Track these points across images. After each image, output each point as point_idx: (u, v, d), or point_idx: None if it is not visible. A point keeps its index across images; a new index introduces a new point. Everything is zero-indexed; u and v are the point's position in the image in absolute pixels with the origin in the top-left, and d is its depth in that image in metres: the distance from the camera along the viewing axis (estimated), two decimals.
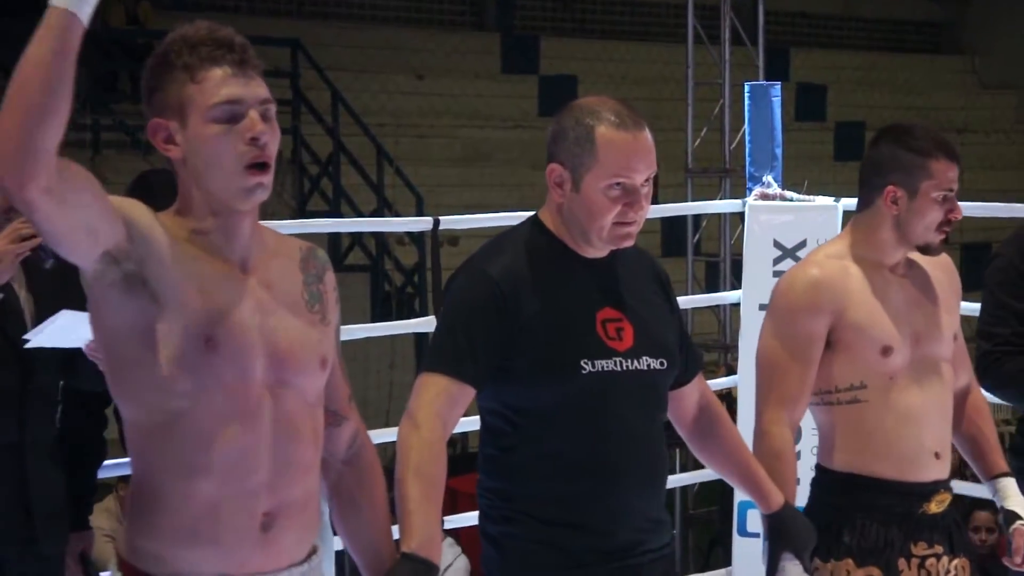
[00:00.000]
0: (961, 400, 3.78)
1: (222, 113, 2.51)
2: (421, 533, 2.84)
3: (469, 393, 3.03)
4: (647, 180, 3.07)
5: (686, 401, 3.37)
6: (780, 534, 3.37)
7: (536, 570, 3.08)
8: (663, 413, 3.24)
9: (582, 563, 3.07)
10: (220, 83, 2.51)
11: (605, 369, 3.07)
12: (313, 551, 2.68)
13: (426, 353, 3.10)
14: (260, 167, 2.52)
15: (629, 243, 3.11)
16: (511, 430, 3.09)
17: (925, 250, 3.60)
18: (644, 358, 3.13)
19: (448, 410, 3.00)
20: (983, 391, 4.00)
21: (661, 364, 3.16)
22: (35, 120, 2.24)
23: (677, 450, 8.63)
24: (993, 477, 3.77)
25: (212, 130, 2.51)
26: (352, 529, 2.84)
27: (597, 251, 3.14)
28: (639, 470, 3.12)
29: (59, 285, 3.84)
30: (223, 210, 2.56)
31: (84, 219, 2.39)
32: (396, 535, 2.88)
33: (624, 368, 3.09)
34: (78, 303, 3.78)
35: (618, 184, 3.04)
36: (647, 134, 3.07)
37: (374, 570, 2.82)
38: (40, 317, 3.81)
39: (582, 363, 3.05)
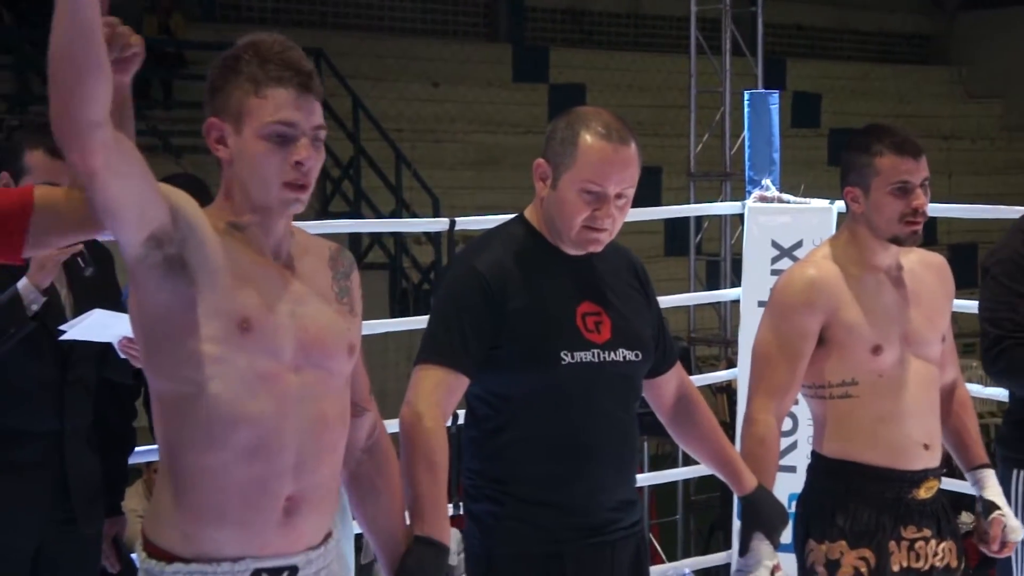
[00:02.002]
0: (947, 396, 3.77)
1: (275, 133, 2.51)
2: (432, 517, 2.87)
3: (464, 382, 3.05)
4: (621, 192, 3.07)
5: (664, 389, 3.38)
6: (752, 516, 3.37)
7: (517, 546, 3.10)
8: (636, 401, 3.26)
9: (560, 539, 3.10)
10: (281, 104, 2.51)
11: (584, 360, 3.09)
12: (328, 535, 2.67)
13: (421, 345, 3.11)
14: (299, 187, 2.54)
15: (596, 248, 3.12)
16: (495, 415, 3.11)
17: (897, 242, 3.58)
18: (621, 350, 3.15)
19: (446, 399, 3.02)
20: (991, 376, 4.01)
21: (636, 356, 3.18)
22: (76, 100, 2.25)
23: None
24: (974, 468, 3.77)
25: (262, 147, 2.52)
26: (370, 515, 2.84)
27: (575, 251, 3.15)
28: (613, 454, 3.15)
29: (97, 286, 3.86)
30: (261, 209, 2.57)
31: (136, 194, 2.39)
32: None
33: (601, 360, 3.12)
34: (112, 303, 3.81)
35: (589, 189, 3.05)
36: (630, 150, 3.08)
37: (390, 552, 2.84)
38: (78, 315, 3.83)
39: (562, 354, 3.07)
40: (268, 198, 2.54)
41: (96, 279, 3.84)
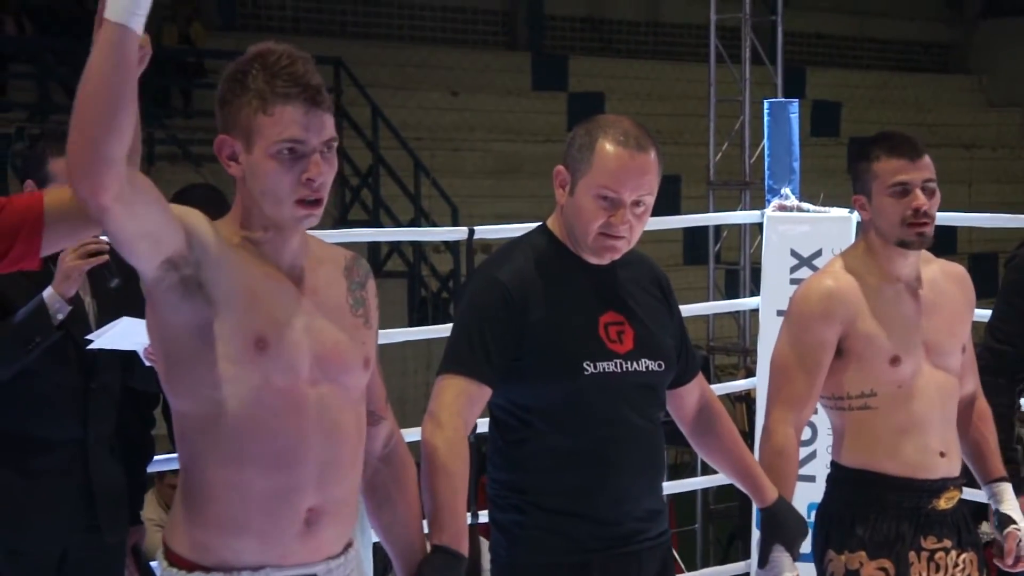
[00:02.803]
0: (967, 407, 3.76)
1: (286, 149, 2.51)
2: (451, 527, 2.86)
3: (486, 393, 3.05)
4: (639, 199, 3.06)
5: (686, 400, 3.37)
6: (772, 527, 3.36)
7: (543, 556, 3.10)
8: (661, 411, 3.25)
9: (586, 550, 3.09)
10: (290, 122, 2.50)
11: (606, 370, 3.09)
12: (349, 544, 2.67)
13: (444, 355, 3.10)
14: (311, 203, 2.53)
15: (614, 256, 3.12)
16: (519, 425, 3.11)
17: (904, 246, 3.56)
18: (643, 360, 3.15)
19: (468, 410, 3.02)
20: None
21: (659, 366, 3.18)
22: (103, 132, 2.25)
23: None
24: (991, 481, 3.75)
25: (272, 165, 2.51)
26: (387, 523, 2.84)
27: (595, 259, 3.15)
28: (638, 464, 3.14)
29: (122, 295, 3.87)
30: (275, 225, 2.57)
31: (150, 226, 2.40)
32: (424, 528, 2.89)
33: (624, 370, 3.11)
34: (138, 311, 3.82)
35: (604, 195, 3.05)
36: (649, 156, 3.07)
37: (407, 561, 2.83)
38: (102, 322, 3.85)
39: (585, 365, 3.07)
40: (281, 215, 2.54)
41: (123, 295, 3.84)
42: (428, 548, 2.84)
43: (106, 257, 3.68)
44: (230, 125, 2.55)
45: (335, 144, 2.57)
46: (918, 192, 3.53)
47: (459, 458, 2.94)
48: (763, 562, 3.36)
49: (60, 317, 3.71)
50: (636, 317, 3.17)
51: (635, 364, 3.13)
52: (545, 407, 3.08)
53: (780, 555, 3.34)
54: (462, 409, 3.00)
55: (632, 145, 3.05)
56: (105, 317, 3.85)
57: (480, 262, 3.21)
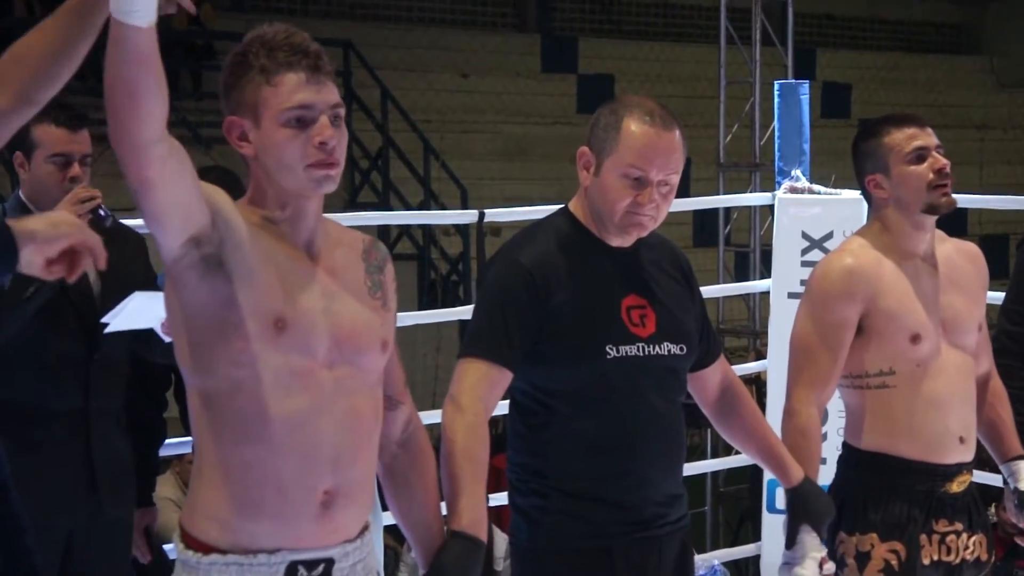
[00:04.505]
0: (982, 386, 3.75)
1: (294, 117, 2.51)
2: (470, 512, 2.84)
3: (508, 376, 3.03)
4: (666, 179, 3.06)
5: (709, 382, 3.37)
6: (799, 508, 3.36)
7: (563, 540, 3.10)
8: (682, 395, 3.25)
9: (607, 534, 3.09)
10: (294, 88, 2.51)
11: (629, 354, 3.09)
12: (365, 528, 2.67)
13: (465, 338, 3.10)
14: (327, 164, 2.53)
15: (640, 232, 3.12)
16: (541, 409, 3.11)
17: (933, 210, 3.56)
18: (665, 343, 3.14)
19: (489, 393, 3.00)
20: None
21: (681, 349, 3.17)
22: (129, 119, 2.26)
23: (708, 431, 8.61)
24: (1009, 460, 3.75)
25: (283, 134, 2.52)
26: (405, 508, 2.84)
27: (620, 239, 3.15)
28: (660, 448, 3.14)
29: (127, 270, 3.87)
30: (292, 200, 2.57)
31: (184, 198, 2.41)
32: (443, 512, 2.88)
33: (646, 353, 3.11)
34: (142, 279, 3.81)
35: (631, 174, 3.04)
36: (675, 135, 3.07)
37: (426, 545, 2.83)
38: (107, 293, 3.85)
39: (607, 348, 3.07)
40: (298, 184, 2.54)
41: (125, 262, 3.84)
42: (446, 533, 2.82)
43: (98, 200, 3.71)
44: (236, 106, 2.56)
45: (342, 113, 2.58)
46: (935, 154, 3.55)
47: (480, 443, 2.93)
48: (791, 543, 3.35)
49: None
50: (658, 300, 3.16)
51: (657, 348, 3.13)
52: (568, 391, 3.07)
53: (807, 535, 3.33)
54: (484, 394, 2.99)
55: (658, 124, 3.05)
56: (108, 287, 3.86)
57: (500, 245, 3.21)
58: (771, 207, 5.81)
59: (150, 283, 3.93)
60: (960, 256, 3.70)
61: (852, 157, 3.67)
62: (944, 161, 3.56)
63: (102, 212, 3.76)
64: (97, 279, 3.91)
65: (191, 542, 2.57)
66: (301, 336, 2.53)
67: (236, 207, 2.55)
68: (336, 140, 2.54)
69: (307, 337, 2.54)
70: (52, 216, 2.36)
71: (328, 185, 2.55)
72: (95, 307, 3.87)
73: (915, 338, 3.54)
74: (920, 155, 3.55)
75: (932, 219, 3.60)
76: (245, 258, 2.50)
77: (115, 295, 3.79)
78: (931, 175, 3.54)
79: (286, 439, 2.52)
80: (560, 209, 3.23)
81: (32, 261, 2.45)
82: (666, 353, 3.14)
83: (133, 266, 3.98)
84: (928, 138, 3.57)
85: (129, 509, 4.06)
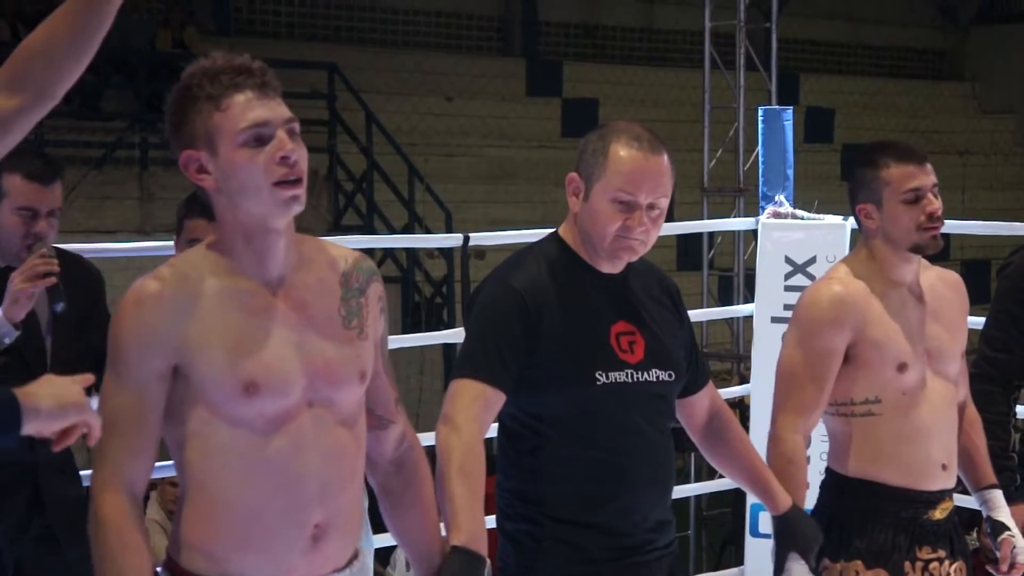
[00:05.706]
0: (959, 414, 3.75)
1: (251, 136, 2.48)
2: (469, 528, 2.82)
3: (501, 398, 3.02)
4: (655, 203, 3.06)
5: (697, 408, 3.36)
6: (787, 535, 3.35)
7: (553, 566, 3.09)
8: (671, 421, 3.25)
9: (595, 560, 3.09)
10: (245, 107, 2.48)
11: (618, 380, 3.09)
12: (355, 556, 2.65)
13: (458, 360, 3.09)
14: (293, 182, 2.49)
15: (631, 256, 3.12)
16: (530, 435, 3.10)
17: (919, 250, 3.57)
18: (654, 370, 3.14)
19: (484, 414, 3.00)
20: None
21: (669, 376, 3.17)
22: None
23: (692, 455, 8.60)
24: (982, 488, 3.75)
25: (243, 155, 2.47)
26: (401, 526, 2.82)
27: (610, 265, 3.14)
28: (649, 474, 3.14)
29: (81, 327, 3.84)
30: (258, 232, 2.52)
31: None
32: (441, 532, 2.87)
33: (635, 380, 3.11)
34: (98, 321, 3.78)
35: (620, 198, 3.04)
36: (662, 159, 3.07)
37: (426, 563, 2.82)
38: (57, 344, 3.84)
39: (596, 375, 3.07)
40: (264, 206, 2.48)
41: (78, 318, 3.81)
42: (447, 549, 2.80)
43: (54, 280, 3.62)
44: (189, 140, 2.51)
45: (298, 128, 2.53)
46: (931, 196, 3.54)
47: (478, 460, 2.92)
48: (778, 570, 3.35)
49: (7, 341, 3.65)
50: (647, 327, 3.16)
51: (646, 374, 3.13)
52: (557, 417, 3.07)
53: (795, 563, 3.33)
54: (479, 414, 2.98)
55: (646, 148, 3.06)
56: (60, 351, 3.83)
57: (485, 268, 3.20)
58: (755, 232, 5.82)
59: (104, 323, 3.91)
60: (943, 285, 3.70)
61: (846, 179, 3.66)
62: (938, 204, 3.54)
63: (55, 295, 3.66)
64: (49, 331, 3.87)
65: (177, 571, 2.55)
66: (275, 389, 2.50)
67: (190, 258, 2.54)
68: (297, 154, 2.49)
69: (281, 387, 2.50)
70: (60, 394, 2.29)
71: (295, 207, 2.50)
72: (45, 363, 3.82)
73: (901, 367, 3.53)
74: (916, 196, 3.54)
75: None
76: (202, 335, 2.47)
77: (68, 346, 3.79)
78: (922, 218, 3.53)
79: (271, 480, 2.50)
80: (550, 234, 3.22)
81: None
82: (655, 380, 3.14)
83: (87, 313, 3.93)
84: (926, 178, 3.55)
85: (86, 547, 4.03)
